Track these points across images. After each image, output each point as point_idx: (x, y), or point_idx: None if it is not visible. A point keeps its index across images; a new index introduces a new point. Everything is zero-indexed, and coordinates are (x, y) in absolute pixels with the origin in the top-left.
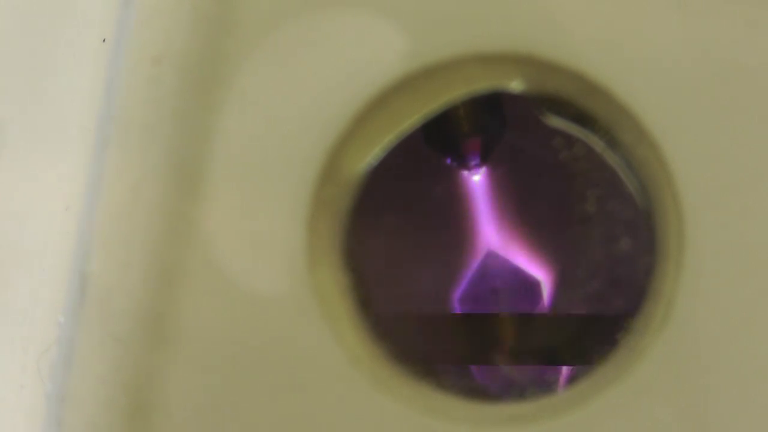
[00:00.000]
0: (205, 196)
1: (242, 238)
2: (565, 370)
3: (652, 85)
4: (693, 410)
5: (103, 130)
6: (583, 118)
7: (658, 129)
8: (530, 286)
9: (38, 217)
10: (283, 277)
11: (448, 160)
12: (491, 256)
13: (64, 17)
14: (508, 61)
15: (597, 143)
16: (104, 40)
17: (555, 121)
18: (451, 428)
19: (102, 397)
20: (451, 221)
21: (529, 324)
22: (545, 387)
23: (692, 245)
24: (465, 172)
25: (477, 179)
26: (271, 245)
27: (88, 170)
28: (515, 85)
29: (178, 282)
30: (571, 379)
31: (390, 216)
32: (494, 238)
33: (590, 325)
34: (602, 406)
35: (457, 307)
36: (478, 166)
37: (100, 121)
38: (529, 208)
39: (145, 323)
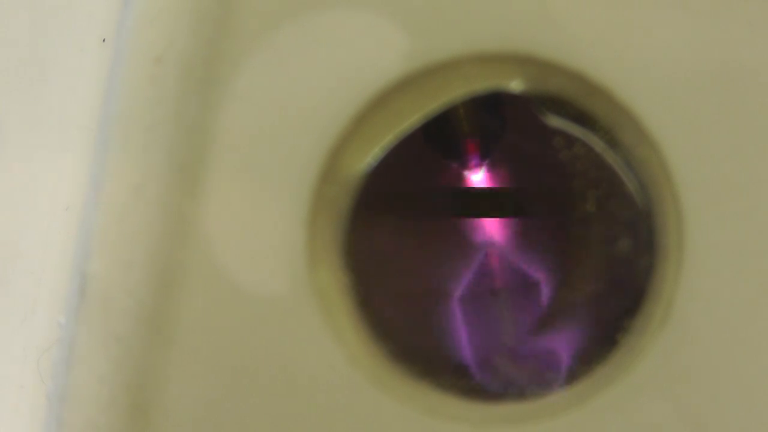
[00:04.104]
0: (205, 196)
1: (242, 238)
2: (565, 370)
3: (652, 85)
4: (693, 410)
5: (103, 130)
6: (583, 118)
7: (658, 129)
8: (530, 286)
9: (38, 217)
10: (283, 277)
11: (448, 160)
12: (491, 255)
13: (64, 17)
14: (508, 61)
15: (597, 143)
16: (104, 40)
17: (555, 121)
18: (451, 428)
19: (102, 397)
20: (451, 221)
21: (528, 324)
22: (545, 387)
23: (692, 245)
24: (465, 172)
25: (477, 179)
26: (271, 245)
27: (88, 170)
28: (515, 85)
29: (178, 282)
30: (571, 379)
31: (390, 216)
32: (494, 238)
33: (590, 325)
34: (602, 406)
35: (456, 308)
36: (478, 166)
37: (100, 121)
38: (530, 208)
39: (145, 323)
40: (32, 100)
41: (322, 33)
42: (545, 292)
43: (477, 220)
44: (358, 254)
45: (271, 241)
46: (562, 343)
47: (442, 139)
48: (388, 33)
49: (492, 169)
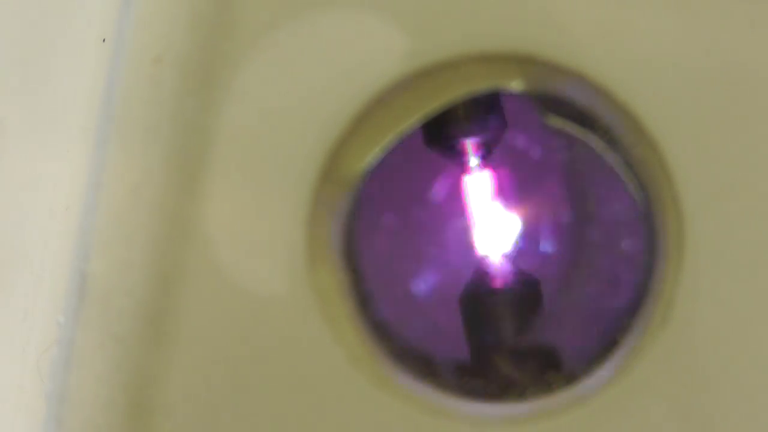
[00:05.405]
0: (205, 196)
1: (242, 238)
2: (565, 370)
3: (652, 85)
4: (693, 410)
5: (103, 130)
6: (583, 118)
7: (658, 129)
8: (530, 286)
9: (38, 217)
10: (283, 277)
11: (448, 160)
12: (491, 256)
13: (64, 17)
14: (508, 61)
15: (597, 143)
16: (104, 40)
17: (555, 121)
18: (451, 428)
19: (102, 397)
20: (451, 221)
21: (528, 324)
22: (545, 387)
23: (692, 245)
24: (465, 173)
25: (477, 179)
26: (271, 245)
27: (88, 170)
28: (515, 85)
29: (178, 282)
30: (571, 379)
31: (390, 216)
32: (494, 238)
33: (590, 325)
34: (602, 406)
35: (457, 307)
36: (478, 166)
37: (100, 121)
38: (529, 208)
39: (145, 323)
40: (32, 100)
41: (322, 33)
42: (545, 292)
43: (477, 219)
44: (358, 254)
45: (270, 241)
46: (562, 343)
47: (442, 139)
48: (388, 33)
49: (492, 169)
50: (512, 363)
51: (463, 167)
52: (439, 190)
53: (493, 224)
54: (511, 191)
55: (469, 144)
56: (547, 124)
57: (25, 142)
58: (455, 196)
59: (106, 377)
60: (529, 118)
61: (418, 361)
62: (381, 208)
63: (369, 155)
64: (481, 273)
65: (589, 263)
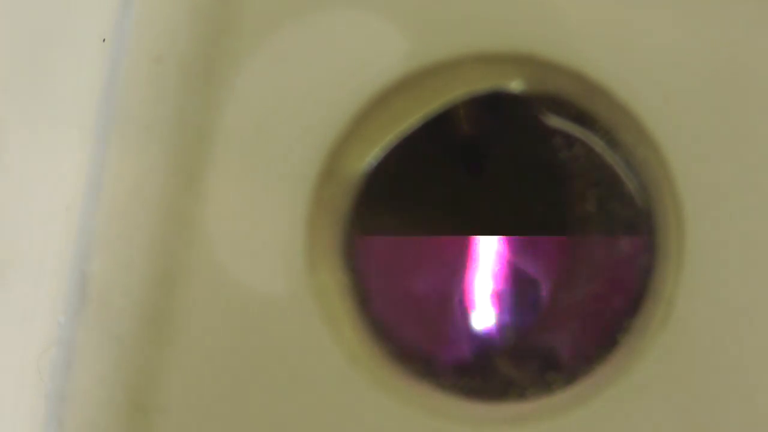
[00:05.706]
0: (205, 196)
1: (242, 238)
2: (565, 370)
3: (652, 85)
4: (693, 410)
5: (102, 129)
6: (583, 118)
7: (658, 129)
8: (530, 286)
9: (38, 217)
10: (283, 277)
11: (448, 161)
12: (491, 256)
13: (64, 17)
14: (508, 61)
15: (597, 143)
16: (104, 40)
17: (555, 121)
18: (451, 428)
19: (102, 397)
20: (451, 221)
21: (528, 324)
22: (545, 387)
23: (692, 245)
24: (465, 173)
25: (477, 179)
26: (271, 245)
27: (88, 170)
28: (515, 85)
29: (178, 282)
30: (571, 379)
31: (390, 216)
32: (494, 238)
33: (590, 325)
34: (602, 406)
35: (457, 308)
36: (478, 166)
37: (100, 121)
38: (529, 208)
39: (145, 323)
40: (32, 100)
41: (322, 33)
42: (545, 292)
43: (476, 220)
44: (358, 254)
45: (270, 241)
46: (562, 343)
47: (442, 139)
48: (388, 33)
49: (492, 169)
50: (512, 363)
51: (462, 167)
52: (439, 190)
53: (492, 225)
54: (511, 191)
55: (469, 144)
56: (547, 124)
57: (25, 142)
58: (455, 197)
59: (106, 377)
60: (529, 118)
61: (418, 361)
62: (381, 208)
63: (369, 155)
64: (481, 273)
65: (589, 263)
